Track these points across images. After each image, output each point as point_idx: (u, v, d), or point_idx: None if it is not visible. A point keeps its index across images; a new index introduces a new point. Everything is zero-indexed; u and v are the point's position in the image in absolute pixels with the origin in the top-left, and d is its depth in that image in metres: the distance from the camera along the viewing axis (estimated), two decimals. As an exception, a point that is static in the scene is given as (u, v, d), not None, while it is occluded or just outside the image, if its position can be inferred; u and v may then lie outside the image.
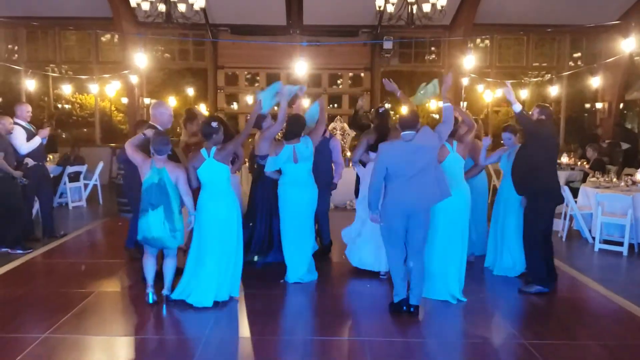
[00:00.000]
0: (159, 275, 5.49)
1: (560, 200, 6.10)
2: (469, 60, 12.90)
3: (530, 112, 6.05)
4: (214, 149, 5.31)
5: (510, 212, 6.36)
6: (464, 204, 5.62)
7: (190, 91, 20.20)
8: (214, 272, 5.31)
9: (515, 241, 6.36)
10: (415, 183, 4.98)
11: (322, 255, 7.11)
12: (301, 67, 13.10)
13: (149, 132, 5.49)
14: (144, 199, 5.11)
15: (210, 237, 5.30)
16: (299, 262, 6.08)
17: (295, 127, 5.97)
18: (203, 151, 5.32)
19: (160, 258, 5.53)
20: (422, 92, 6.13)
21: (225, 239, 5.32)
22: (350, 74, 16.54)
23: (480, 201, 7.04)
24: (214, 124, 5.35)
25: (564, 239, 8.47)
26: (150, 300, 5.32)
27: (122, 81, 14.97)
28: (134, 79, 14.48)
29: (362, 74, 15.74)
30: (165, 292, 5.38)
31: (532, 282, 5.94)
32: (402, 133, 5.05)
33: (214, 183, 5.31)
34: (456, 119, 5.78)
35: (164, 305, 5.29)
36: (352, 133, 12.04)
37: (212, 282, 5.31)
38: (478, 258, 7.03)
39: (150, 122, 5.95)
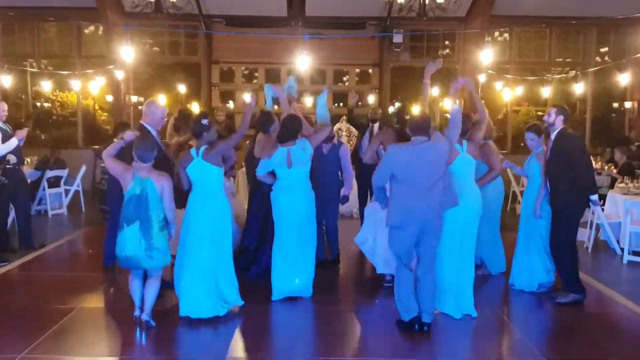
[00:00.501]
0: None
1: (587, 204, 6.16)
2: (486, 55, 12.91)
3: (547, 114, 6.08)
4: (202, 148, 5.37)
5: (535, 222, 6.35)
6: (475, 210, 5.63)
7: (182, 88, 20.22)
8: (197, 279, 5.33)
9: (542, 253, 6.37)
10: (425, 191, 5.02)
11: (330, 267, 7.21)
12: (303, 62, 13.11)
13: (129, 136, 5.42)
14: (122, 213, 5.03)
15: (195, 241, 5.34)
16: (285, 277, 6.01)
17: (290, 128, 5.95)
18: (192, 150, 5.41)
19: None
20: None
21: (212, 243, 5.36)
22: (357, 70, 16.57)
23: (492, 210, 6.92)
24: (205, 121, 5.40)
25: (589, 250, 8.46)
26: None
27: (107, 77, 14.98)
28: (120, 75, 14.47)
29: (370, 70, 15.77)
30: (144, 317, 5.19)
31: (566, 291, 6.02)
32: (413, 138, 5.11)
33: (203, 185, 5.41)
34: (469, 117, 5.83)
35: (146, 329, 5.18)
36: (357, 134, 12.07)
37: (198, 291, 5.33)
38: (497, 275, 7.01)
39: (140, 121, 5.96)
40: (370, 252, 6.54)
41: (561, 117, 5.97)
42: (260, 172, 6.00)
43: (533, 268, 6.45)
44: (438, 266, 5.48)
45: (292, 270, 6.01)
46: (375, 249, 6.44)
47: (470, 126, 5.86)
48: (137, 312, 5.22)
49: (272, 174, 6.03)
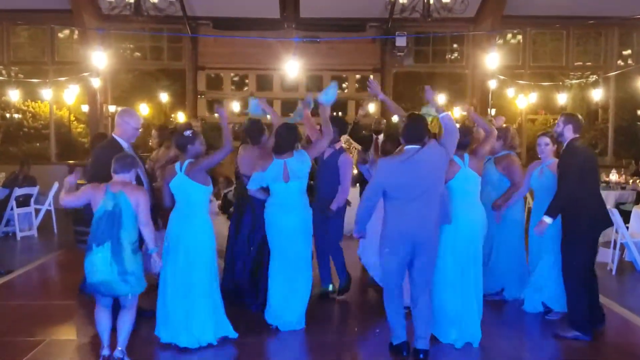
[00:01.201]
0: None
1: (607, 224, 6.08)
2: (497, 59, 12.95)
3: (557, 123, 6.07)
4: (186, 162, 5.39)
5: (545, 239, 6.32)
6: (477, 231, 5.63)
7: (166, 97, 20.26)
8: (176, 308, 5.32)
9: (552, 273, 6.33)
10: (419, 206, 5.03)
11: (339, 295, 7.11)
12: (297, 67, 13.12)
13: (72, 180, 5.14)
14: (92, 231, 4.88)
15: (172, 264, 5.33)
16: (285, 305, 5.94)
17: (287, 137, 5.91)
18: (177, 164, 5.43)
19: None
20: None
21: (189, 267, 5.33)
22: (357, 76, 16.63)
23: (514, 230, 6.94)
24: (187, 133, 5.42)
25: (613, 273, 8.42)
26: None
27: (82, 85, 15.01)
28: (96, 83, 14.46)
29: (371, 76, 15.81)
30: (117, 354, 5.01)
31: (571, 327, 5.87)
32: (406, 147, 5.11)
33: (185, 203, 5.42)
34: (469, 129, 5.84)
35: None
36: (359, 146, 12.06)
37: (178, 321, 5.32)
38: (514, 301, 6.96)
39: (112, 133, 5.95)
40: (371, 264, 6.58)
41: (569, 127, 5.87)
42: (253, 186, 5.96)
43: (544, 290, 6.43)
44: (439, 293, 5.49)
45: (290, 297, 5.95)
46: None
47: (472, 139, 5.86)
48: (105, 352, 4.98)
49: (265, 189, 5.99)
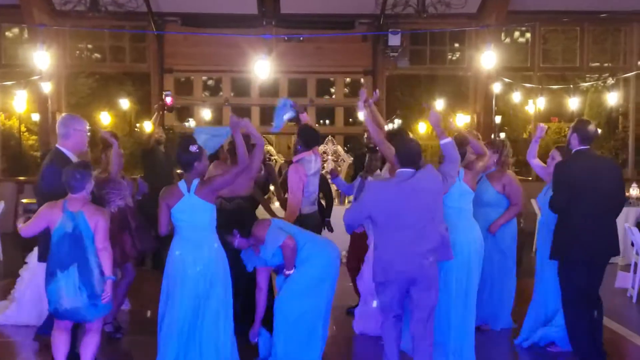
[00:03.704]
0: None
1: (609, 252, 6.02)
2: (502, 59, 12.96)
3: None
4: (195, 181, 5.32)
5: (547, 263, 6.30)
6: (475, 252, 5.71)
7: (130, 104, 20.17)
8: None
9: (552, 302, 6.32)
10: (412, 239, 5.05)
11: None
12: (270, 69, 13.06)
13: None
14: (52, 257, 5.03)
15: (179, 302, 5.26)
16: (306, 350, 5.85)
17: None
18: (182, 184, 5.34)
19: None
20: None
21: (203, 305, 5.30)
22: (347, 80, 16.60)
23: (504, 253, 6.99)
24: (194, 148, 5.35)
25: (634, 300, 8.37)
26: None
27: (32, 90, 14.90)
28: (47, 88, 14.25)
29: (362, 79, 15.82)
30: None
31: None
32: (399, 170, 5.15)
33: (193, 227, 5.33)
34: (465, 139, 5.89)
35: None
36: (348, 159, 12.06)
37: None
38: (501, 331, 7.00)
39: (57, 145, 5.89)
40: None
41: (575, 135, 5.89)
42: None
43: (548, 321, 6.43)
44: (442, 327, 5.56)
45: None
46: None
47: (469, 150, 5.95)
48: None
49: None
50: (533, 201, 11.09)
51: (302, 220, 6.59)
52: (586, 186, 5.79)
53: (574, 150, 5.91)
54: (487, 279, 6.83)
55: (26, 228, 5.21)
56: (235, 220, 5.92)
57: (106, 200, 6.35)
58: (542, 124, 6.91)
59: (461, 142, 5.89)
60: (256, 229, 5.72)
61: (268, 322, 6.02)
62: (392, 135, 6.46)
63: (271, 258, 5.75)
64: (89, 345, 5.22)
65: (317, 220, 7.11)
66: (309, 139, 6.88)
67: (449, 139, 5.49)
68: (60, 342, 5.19)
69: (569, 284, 5.83)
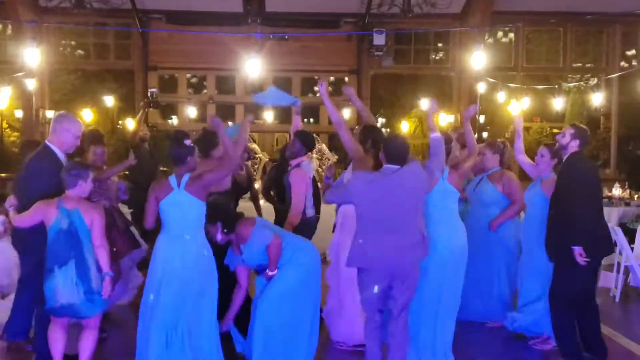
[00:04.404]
0: None
1: (608, 250, 6.10)
2: (486, 59, 12.98)
3: (562, 133, 6.07)
4: (186, 176, 5.28)
5: (536, 258, 6.38)
6: (458, 251, 5.77)
7: (113, 101, 20.02)
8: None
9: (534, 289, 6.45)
10: (392, 233, 5.10)
11: None
12: (260, 68, 13.05)
13: (13, 201, 5.35)
14: (49, 254, 5.07)
15: (165, 300, 5.22)
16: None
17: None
18: (172, 178, 5.31)
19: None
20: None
21: (189, 305, 5.26)
22: (331, 78, 16.58)
23: (510, 251, 7.10)
24: (188, 142, 5.36)
25: (617, 299, 8.44)
26: None
27: (15, 87, 14.79)
28: (31, 84, 14.24)
29: (347, 78, 15.82)
30: None
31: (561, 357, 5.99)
32: (385, 165, 5.19)
33: (181, 224, 5.29)
34: (448, 137, 6.00)
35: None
36: (333, 157, 12.05)
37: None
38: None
39: (47, 140, 5.85)
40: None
41: (577, 142, 5.93)
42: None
43: (535, 313, 6.52)
44: (413, 318, 5.56)
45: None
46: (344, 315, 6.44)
47: (453, 148, 6.03)
48: None
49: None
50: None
51: (305, 223, 6.68)
52: (595, 185, 5.95)
53: (571, 153, 5.93)
54: (494, 277, 6.94)
55: (20, 218, 5.25)
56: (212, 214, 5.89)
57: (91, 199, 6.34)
58: (517, 117, 7.00)
59: (446, 139, 5.95)
60: (240, 227, 5.63)
61: (240, 324, 5.96)
62: (366, 131, 6.43)
63: (254, 257, 5.64)
64: (87, 342, 5.25)
65: (316, 223, 7.17)
66: (309, 143, 7.02)
67: (439, 134, 5.58)
68: (57, 340, 5.22)
69: (573, 284, 5.84)
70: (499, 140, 7.35)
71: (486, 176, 7.02)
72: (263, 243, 5.54)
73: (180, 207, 5.27)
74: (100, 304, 5.15)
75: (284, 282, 5.61)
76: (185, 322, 5.28)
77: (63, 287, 4.97)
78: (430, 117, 5.75)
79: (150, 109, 13.25)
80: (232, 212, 6.05)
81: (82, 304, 5.03)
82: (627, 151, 15.81)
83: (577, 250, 5.67)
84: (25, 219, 5.23)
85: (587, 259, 5.67)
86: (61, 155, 5.74)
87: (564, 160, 6.02)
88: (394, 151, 5.21)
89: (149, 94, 12.55)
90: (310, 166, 6.90)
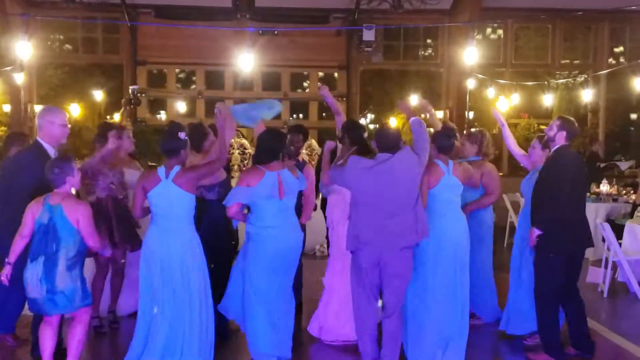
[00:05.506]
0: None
1: (587, 244, 6.11)
2: (475, 55, 13.00)
3: (549, 127, 6.09)
4: (176, 168, 5.25)
5: (529, 254, 6.36)
6: (464, 243, 5.74)
7: (100, 96, 19.95)
8: (156, 339, 5.22)
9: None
10: (385, 219, 5.15)
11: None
12: (251, 63, 13.03)
13: None
14: (30, 245, 5.08)
15: (154, 290, 5.23)
16: (271, 337, 5.64)
17: (274, 145, 5.66)
18: (160, 170, 5.28)
19: None
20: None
21: (177, 294, 5.22)
22: (320, 74, 16.59)
23: (485, 245, 7.00)
24: (182, 135, 5.33)
25: (605, 295, 8.46)
26: None
27: (3, 82, 14.70)
28: (19, 78, 14.15)
29: (336, 74, 15.82)
30: None
31: (544, 350, 5.96)
32: (378, 154, 5.26)
33: (168, 216, 5.26)
34: (452, 130, 5.99)
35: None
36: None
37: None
38: (493, 323, 6.98)
39: (37, 137, 5.82)
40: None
41: (563, 133, 5.92)
42: (230, 202, 5.49)
43: (525, 310, 6.45)
44: (426, 314, 5.55)
45: (277, 329, 5.67)
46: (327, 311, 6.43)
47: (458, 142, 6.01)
48: None
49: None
50: (505, 197, 11.26)
51: None
52: (581, 179, 5.97)
53: (559, 146, 5.95)
54: (471, 270, 6.88)
55: (19, 238, 5.16)
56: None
57: (91, 188, 6.36)
58: (494, 108, 6.99)
59: (449, 134, 5.93)
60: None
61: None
62: (347, 127, 6.40)
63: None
64: (73, 336, 5.20)
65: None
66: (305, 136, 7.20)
67: (415, 117, 5.57)
68: (46, 338, 5.16)
69: (553, 276, 5.84)
70: (476, 130, 7.29)
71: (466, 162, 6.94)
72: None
73: (168, 199, 5.23)
74: (63, 305, 5.02)
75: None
76: (177, 313, 5.26)
77: (30, 280, 4.97)
78: (406, 112, 5.80)
79: (132, 106, 13.22)
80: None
81: (44, 301, 4.99)
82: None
83: (535, 232, 5.75)
84: (24, 231, 5.11)
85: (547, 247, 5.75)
86: (51, 151, 5.69)
87: (552, 153, 6.03)
88: (386, 142, 5.27)
89: (130, 91, 12.52)
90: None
